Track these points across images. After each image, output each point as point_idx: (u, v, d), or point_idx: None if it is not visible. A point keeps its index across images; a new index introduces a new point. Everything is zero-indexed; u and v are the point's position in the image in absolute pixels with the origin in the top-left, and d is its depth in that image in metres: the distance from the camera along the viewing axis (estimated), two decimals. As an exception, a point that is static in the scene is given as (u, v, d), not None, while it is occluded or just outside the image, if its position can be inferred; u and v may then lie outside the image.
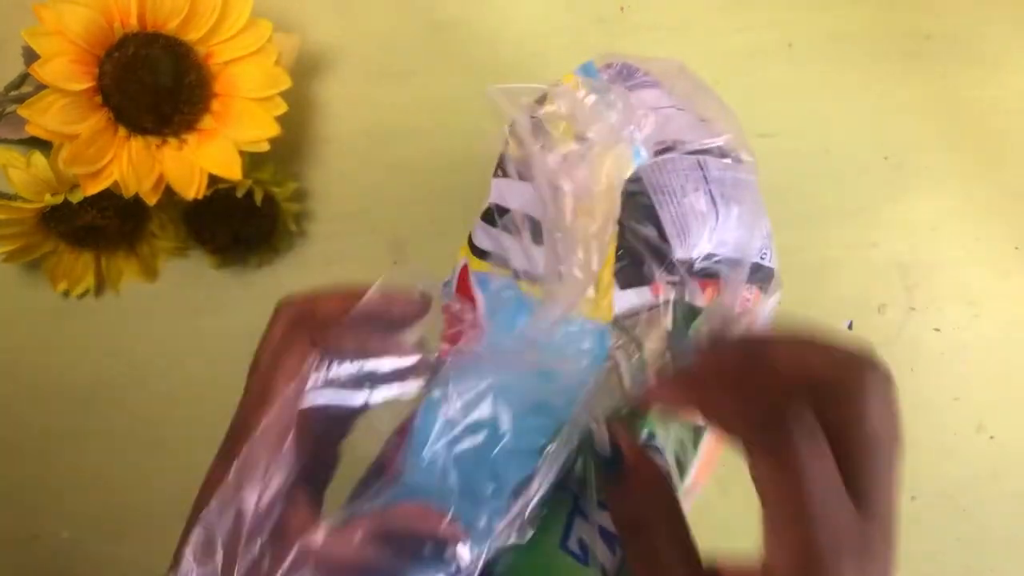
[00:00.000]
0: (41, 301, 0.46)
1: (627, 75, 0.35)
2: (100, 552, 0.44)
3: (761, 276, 0.35)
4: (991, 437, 0.46)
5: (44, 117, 0.36)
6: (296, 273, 0.47)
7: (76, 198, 0.40)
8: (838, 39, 0.50)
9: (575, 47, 0.50)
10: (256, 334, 0.47)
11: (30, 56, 0.37)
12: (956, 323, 0.47)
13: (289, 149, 0.47)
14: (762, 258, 0.34)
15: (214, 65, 0.40)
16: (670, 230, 0.31)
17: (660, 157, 0.32)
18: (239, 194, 0.42)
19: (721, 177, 0.33)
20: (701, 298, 0.31)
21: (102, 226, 0.43)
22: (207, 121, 0.40)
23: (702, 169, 0.33)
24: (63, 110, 0.36)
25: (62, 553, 0.44)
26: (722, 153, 0.34)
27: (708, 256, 0.32)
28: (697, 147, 0.33)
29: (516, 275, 0.31)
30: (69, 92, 0.36)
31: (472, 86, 0.49)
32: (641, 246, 0.31)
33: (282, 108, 0.41)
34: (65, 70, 0.36)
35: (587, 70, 0.32)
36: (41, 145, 0.38)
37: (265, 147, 0.41)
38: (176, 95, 0.39)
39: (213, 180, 0.41)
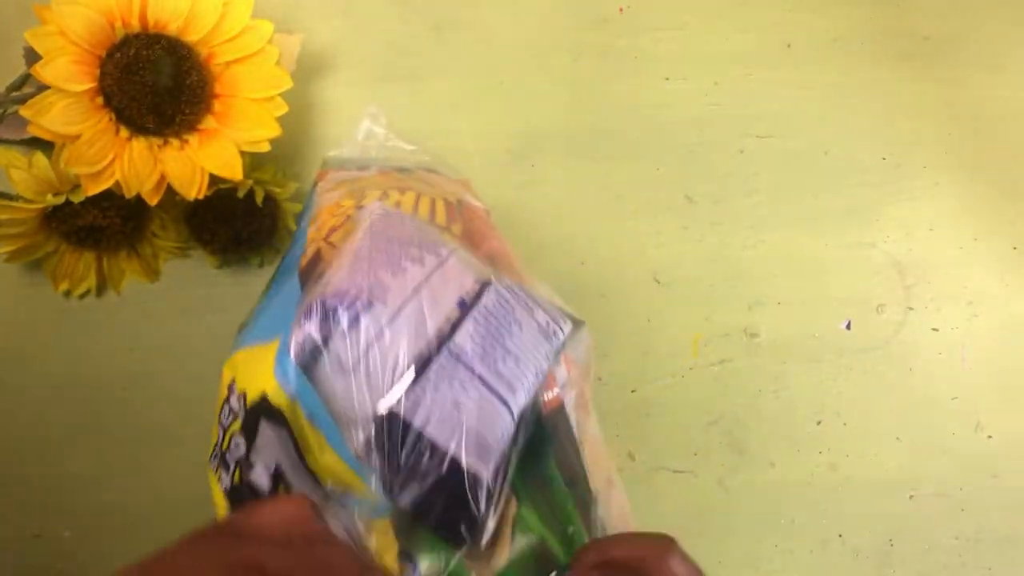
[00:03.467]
0: (42, 301, 0.46)
1: (348, 309, 0.28)
2: (101, 551, 0.44)
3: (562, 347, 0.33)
4: (989, 436, 0.46)
5: (46, 118, 0.36)
6: (297, 273, 0.47)
7: (78, 198, 0.40)
8: (837, 40, 0.50)
9: (576, 48, 0.50)
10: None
11: (32, 57, 0.37)
12: (954, 323, 0.47)
13: (290, 149, 0.47)
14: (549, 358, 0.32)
15: (215, 66, 0.40)
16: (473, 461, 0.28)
17: (425, 378, 0.28)
18: (240, 194, 0.42)
19: (485, 343, 0.29)
20: None
21: (103, 226, 0.43)
22: (208, 122, 0.40)
23: (467, 367, 0.29)
24: (65, 111, 0.36)
25: (64, 552, 0.44)
26: (470, 297, 0.30)
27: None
28: (451, 320, 0.29)
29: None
30: (71, 93, 0.36)
31: (472, 87, 0.50)
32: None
33: (283, 109, 0.41)
34: (67, 71, 0.36)
35: (283, 371, 0.28)
36: (43, 145, 0.38)
37: (266, 147, 0.41)
38: (177, 96, 0.39)
39: (214, 180, 0.41)
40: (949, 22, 0.50)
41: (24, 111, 0.36)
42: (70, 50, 0.36)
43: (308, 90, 0.48)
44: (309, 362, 0.28)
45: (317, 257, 0.32)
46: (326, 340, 0.28)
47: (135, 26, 0.38)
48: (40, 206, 0.40)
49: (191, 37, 0.39)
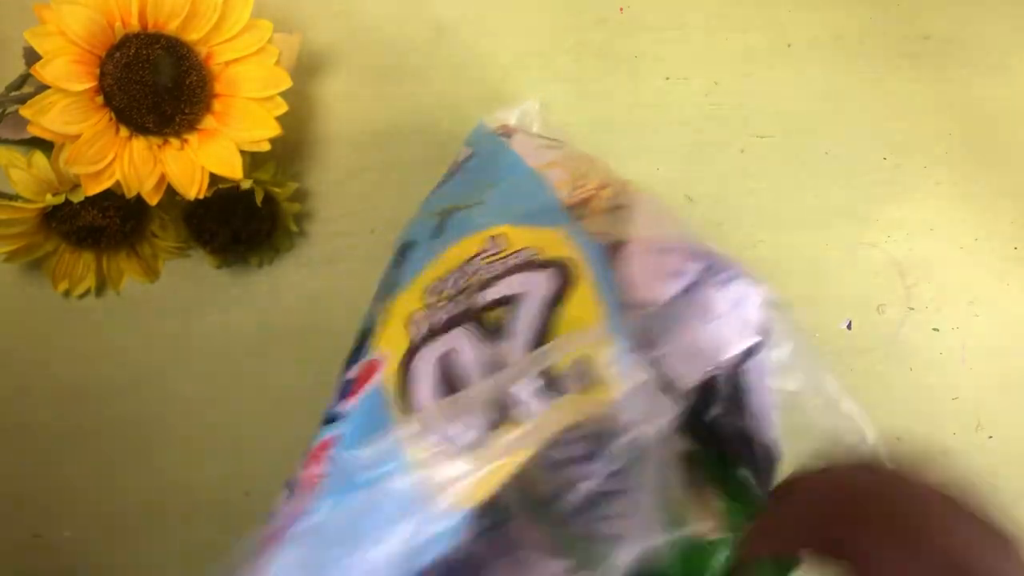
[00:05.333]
0: (42, 301, 0.46)
1: (715, 272, 0.30)
2: (102, 551, 0.44)
3: None
4: (990, 437, 0.46)
5: (45, 117, 0.36)
6: (296, 273, 0.47)
7: (77, 198, 0.40)
8: (837, 40, 0.50)
9: (576, 48, 0.50)
10: (256, 334, 0.47)
11: (31, 56, 0.37)
12: (955, 323, 0.47)
13: (289, 149, 0.47)
14: None
15: (215, 65, 0.40)
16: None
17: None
18: (240, 194, 0.42)
19: None
20: None
21: (103, 226, 0.43)
22: (208, 121, 0.40)
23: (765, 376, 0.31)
24: (64, 110, 0.36)
25: (64, 552, 0.44)
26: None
27: None
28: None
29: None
30: (70, 92, 0.36)
31: (472, 86, 0.50)
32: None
33: (283, 108, 0.41)
34: (66, 70, 0.36)
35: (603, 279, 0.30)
36: (42, 145, 0.38)
37: (266, 147, 0.41)
38: (177, 95, 0.39)
39: (214, 180, 0.41)
40: (950, 22, 0.50)
41: (24, 111, 0.36)
42: (70, 50, 0.36)
43: (308, 89, 0.48)
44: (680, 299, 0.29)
45: (585, 202, 0.34)
46: (696, 286, 0.29)
47: (135, 25, 0.38)
48: (39, 206, 0.40)
49: (191, 36, 0.39)
